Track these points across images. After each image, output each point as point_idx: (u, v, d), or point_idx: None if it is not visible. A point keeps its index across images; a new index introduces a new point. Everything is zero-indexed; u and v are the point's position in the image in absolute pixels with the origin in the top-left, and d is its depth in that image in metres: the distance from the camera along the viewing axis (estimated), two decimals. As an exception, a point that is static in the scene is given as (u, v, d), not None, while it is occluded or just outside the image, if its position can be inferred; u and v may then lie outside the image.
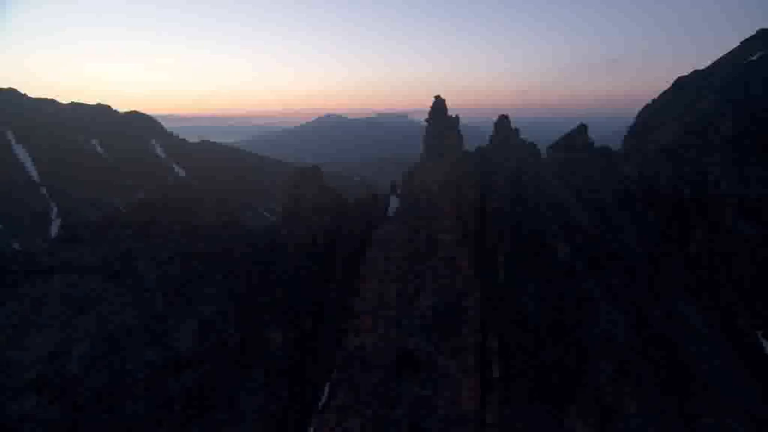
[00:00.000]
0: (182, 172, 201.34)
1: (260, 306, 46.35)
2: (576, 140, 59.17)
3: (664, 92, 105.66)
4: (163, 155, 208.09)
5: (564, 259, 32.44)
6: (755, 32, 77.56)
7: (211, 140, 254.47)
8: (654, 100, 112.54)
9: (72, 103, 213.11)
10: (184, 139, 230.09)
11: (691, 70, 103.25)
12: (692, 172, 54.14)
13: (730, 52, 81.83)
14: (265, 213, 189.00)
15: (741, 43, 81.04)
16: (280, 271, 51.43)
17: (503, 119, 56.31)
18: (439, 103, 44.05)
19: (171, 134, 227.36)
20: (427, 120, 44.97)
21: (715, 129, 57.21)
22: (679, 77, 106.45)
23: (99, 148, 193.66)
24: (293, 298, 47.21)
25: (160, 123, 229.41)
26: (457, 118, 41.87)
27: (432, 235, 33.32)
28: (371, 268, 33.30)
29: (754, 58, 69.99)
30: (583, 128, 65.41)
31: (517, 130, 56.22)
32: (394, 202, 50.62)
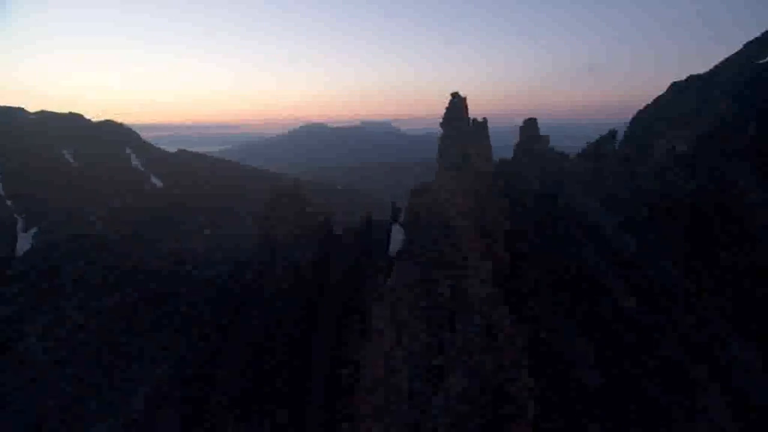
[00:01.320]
0: (159, 183, 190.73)
1: (216, 388, 35.52)
2: (605, 148, 52.57)
3: (660, 96, 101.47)
4: (139, 166, 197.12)
5: (626, 306, 25.37)
6: (760, 34, 72.70)
7: (191, 150, 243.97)
8: (648, 105, 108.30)
9: (42, 111, 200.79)
10: (161, 149, 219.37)
11: (687, 75, 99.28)
12: (714, 181, 48.08)
13: (735, 54, 77.03)
14: (239, 240, 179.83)
15: (745, 45, 76.36)
16: (248, 329, 41.01)
17: (530, 122, 47.41)
18: (456, 103, 35.44)
19: (148, 144, 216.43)
20: (442, 124, 35.75)
21: (735, 134, 51.61)
22: (674, 81, 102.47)
23: (70, 158, 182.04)
24: (263, 377, 35.17)
25: (136, 132, 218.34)
26: (484, 121, 32.77)
27: (457, 285, 23.25)
28: (376, 343, 23.98)
29: (767, 60, 65.07)
30: (612, 135, 59.01)
31: (544, 136, 47.53)
32: (397, 232, 39.06)
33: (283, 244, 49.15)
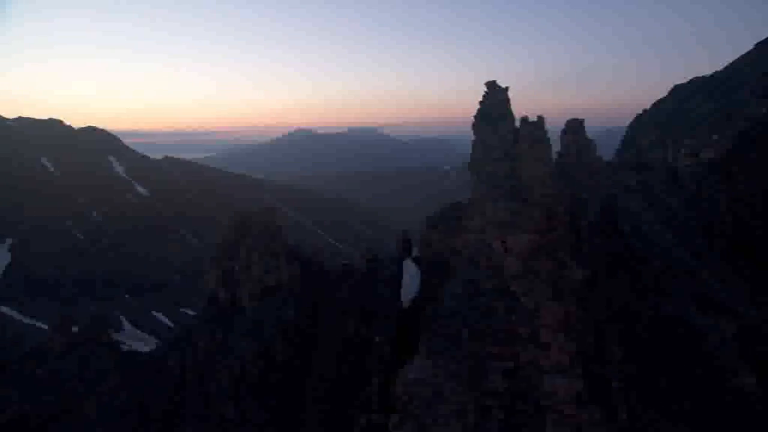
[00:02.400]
0: (144, 191, 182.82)
1: None
2: (651, 158, 47.20)
3: (662, 100, 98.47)
4: (123, 173, 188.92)
5: (746, 387, 18.18)
6: (773, 34, 69.45)
7: (178, 156, 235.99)
8: (646, 110, 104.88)
9: (19, 117, 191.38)
10: (146, 156, 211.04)
11: (689, 78, 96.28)
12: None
13: (746, 54, 73.98)
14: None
15: (756, 45, 73.32)
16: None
17: (575, 125, 37.30)
18: (495, 96, 23.49)
19: (131, 151, 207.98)
20: (474, 127, 24.52)
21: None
22: (676, 85, 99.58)
23: (49, 166, 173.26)
24: None
25: (119, 139, 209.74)
26: (539, 120, 21.73)
27: (522, 377, 15.68)
28: None
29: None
30: (660, 141, 53.86)
31: (591, 141, 36.70)
32: (411, 275, 28.30)
33: (252, 295, 39.85)
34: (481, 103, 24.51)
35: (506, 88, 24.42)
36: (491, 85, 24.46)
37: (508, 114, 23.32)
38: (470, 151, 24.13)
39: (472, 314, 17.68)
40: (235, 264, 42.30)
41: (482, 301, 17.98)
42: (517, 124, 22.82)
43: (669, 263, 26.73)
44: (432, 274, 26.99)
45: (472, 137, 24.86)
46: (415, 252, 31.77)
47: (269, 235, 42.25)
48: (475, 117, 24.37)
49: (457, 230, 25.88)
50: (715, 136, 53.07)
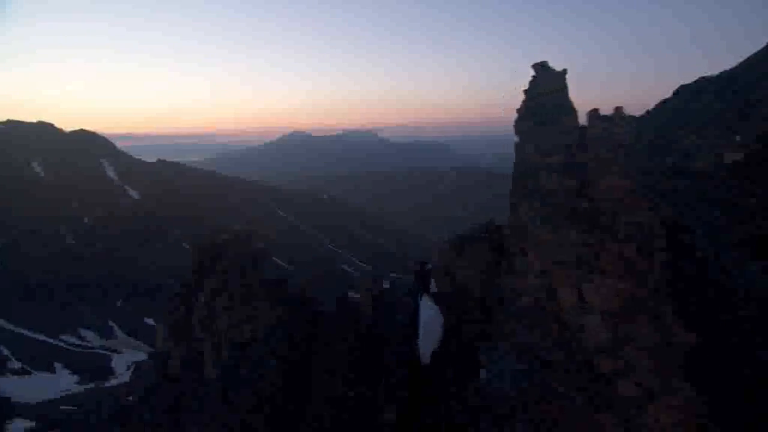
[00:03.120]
0: (137, 195, 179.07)
1: None
2: (691, 163, 43.78)
3: (666, 100, 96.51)
4: (114, 177, 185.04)
5: None
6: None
7: (172, 160, 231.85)
8: (649, 111, 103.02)
9: (8, 121, 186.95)
10: (138, 159, 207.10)
11: (697, 77, 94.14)
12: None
13: (761, 51, 71.79)
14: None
15: (768, 44, 71.06)
16: None
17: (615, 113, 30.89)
18: (548, 82, 17.82)
19: (124, 154, 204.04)
20: (517, 124, 18.96)
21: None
22: (681, 85, 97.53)
23: (40, 170, 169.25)
24: None
25: (111, 142, 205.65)
26: (620, 114, 15.66)
27: None
28: None
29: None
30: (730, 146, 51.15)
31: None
32: (430, 319, 21.04)
33: (216, 344, 29.80)
34: (526, 92, 18.34)
35: (564, 72, 18.06)
36: (541, 69, 18.03)
37: (568, 107, 17.17)
38: (511, 159, 18.86)
39: (532, 408, 12.00)
40: (196, 313, 31.85)
41: (548, 386, 12.17)
42: (582, 120, 16.92)
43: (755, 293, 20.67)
44: (457, 317, 20.13)
45: (516, 139, 19.09)
46: (433, 285, 24.04)
47: (243, 271, 31.41)
48: (519, 112, 18.48)
49: (496, 265, 18.23)
50: (738, 137, 50.61)
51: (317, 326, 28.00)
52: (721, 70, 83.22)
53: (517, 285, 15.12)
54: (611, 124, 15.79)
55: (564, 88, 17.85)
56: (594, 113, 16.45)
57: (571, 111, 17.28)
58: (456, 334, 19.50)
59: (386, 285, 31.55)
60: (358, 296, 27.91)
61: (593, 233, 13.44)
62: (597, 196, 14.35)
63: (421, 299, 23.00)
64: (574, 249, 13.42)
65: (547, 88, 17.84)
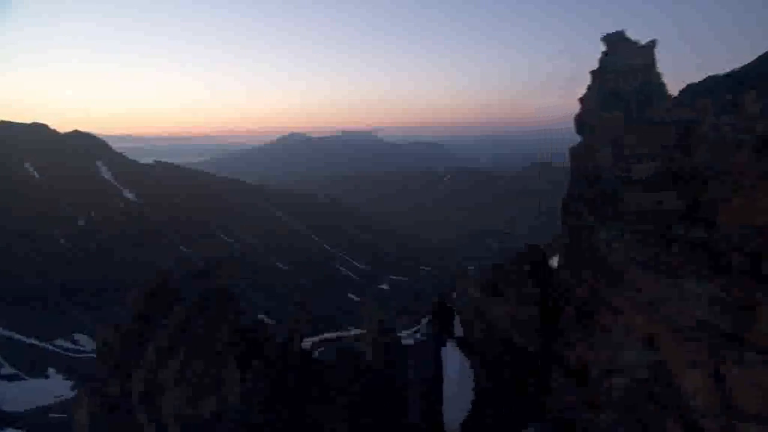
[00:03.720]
0: (133, 197, 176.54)
1: None
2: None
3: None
4: (110, 179, 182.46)
5: None
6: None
7: (170, 161, 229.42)
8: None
9: (2, 122, 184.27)
10: (135, 161, 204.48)
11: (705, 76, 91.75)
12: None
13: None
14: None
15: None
16: None
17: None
18: (627, 57, 13.48)
19: (120, 155, 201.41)
20: (579, 118, 14.81)
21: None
22: (688, 84, 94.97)
23: (33, 171, 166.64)
24: None
25: (107, 143, 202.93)
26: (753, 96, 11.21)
27: None
28: None
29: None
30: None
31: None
32: (457, 374, 15.62)
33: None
34: (595, 74, 12.09)
35: (652, 44, 12.34)
36: (616, 41, 12.24)
37: (660, 92, 11.36)
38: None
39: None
40: (136, 383, 22.10)
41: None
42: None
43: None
44: (493, 374, 14.86)
45: (578, 138, 13.62)
46: (458, 327, 18.42)
47: (207, 320, 22.35)
48: (583, 101, 12.39)
49: (544, 307, 12.88)
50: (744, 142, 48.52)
51: (310, 389, 19.37)
52: (730, 69, 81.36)
53: (600, 355, 9.52)
54: (734, 118, 10.05)
55: (652, 65, 13.06)
56: (705, 103, 10.60)
57: (665, 96, 12.37)
58: (492, 400, 14.22)
59: (402, 335, 24.70)
60: (362, 336, 21.16)
61: (729, 279, 8.10)
62: (720, 224, 9.08)
63: (444, 347, 17.74)
64: (701, 305, 8.10)
65: (626, 65, 12.76)
